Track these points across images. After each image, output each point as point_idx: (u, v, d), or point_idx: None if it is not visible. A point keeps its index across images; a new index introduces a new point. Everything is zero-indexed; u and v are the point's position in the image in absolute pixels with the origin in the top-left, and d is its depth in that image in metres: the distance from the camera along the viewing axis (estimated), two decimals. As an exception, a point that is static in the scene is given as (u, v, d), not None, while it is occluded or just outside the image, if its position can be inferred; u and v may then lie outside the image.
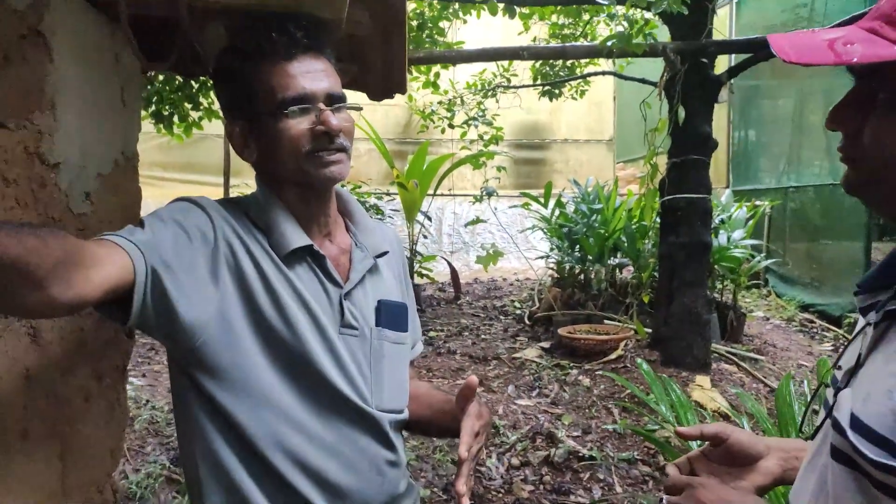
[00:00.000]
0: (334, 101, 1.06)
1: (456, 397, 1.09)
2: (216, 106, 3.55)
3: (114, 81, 1.23)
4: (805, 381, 2.34)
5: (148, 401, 3.16)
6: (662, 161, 4.07)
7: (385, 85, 1.90)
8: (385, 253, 1.20)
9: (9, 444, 0.95)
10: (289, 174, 1.07)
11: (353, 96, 1.15)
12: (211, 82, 3.26)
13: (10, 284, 0.72)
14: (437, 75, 5.21)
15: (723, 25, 6.57)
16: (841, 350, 0.77)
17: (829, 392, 0.75)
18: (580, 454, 3.01)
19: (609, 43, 3.32)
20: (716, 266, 4.53)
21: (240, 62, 1.05)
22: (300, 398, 1.04)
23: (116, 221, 1.19)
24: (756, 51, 3.85)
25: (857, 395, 0.66)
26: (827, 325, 5.43)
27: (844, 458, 0.65)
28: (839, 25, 0.69)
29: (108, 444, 1.23)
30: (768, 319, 5.53)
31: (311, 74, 1.04)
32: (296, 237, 1.06)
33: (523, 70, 5.75)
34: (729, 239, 4.66)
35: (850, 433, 0.63)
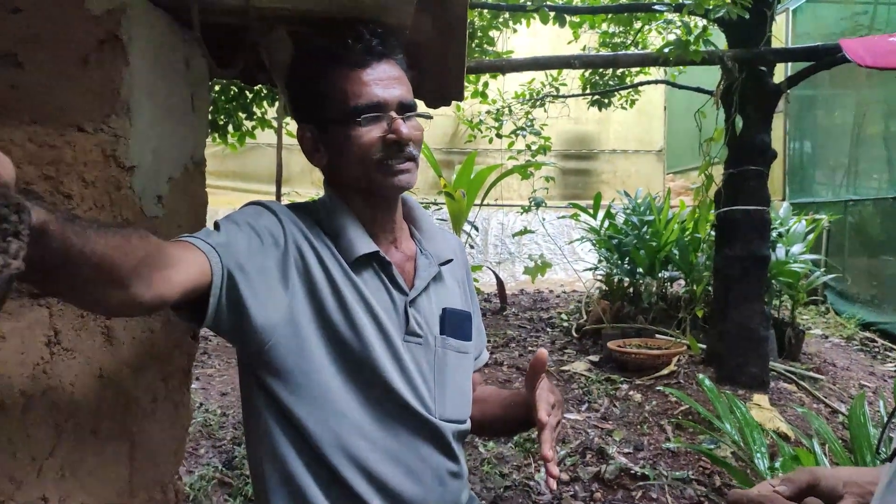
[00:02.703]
0: (406, 109, 1.06)
1: (526, 375, 1.06)
2: (269, 115, 3.62)
3: (184, 87, 1.25)
4: (881, 402, 2.23)
5: (201, 404, 3.20)
6: (717, 172, 3.97)
7: (442, 91, 1.89)
8: (449, 261, 1.18)
9: (82, 440, 0.96)
10: (357, 181, 1.07)
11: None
12: (265, 92, 3.34)
13: (94, 282, 0.73)
14: (486, 85, 5.21)
15: (779, 33, 6.39)
16: None
17: None
18: (632, 471, 2.92)
19: (666, 50, 3.26)
20: (773, 281, 4.38)
21: (314, 68, 1.06)
22: (364, 404, 1.03)
23: (186, 225, 1.21)
24: (818, 59, 3.72)
25: None
26: (889, 344, 5.20)
27: None
28: None
29: (172, 445, 1.24)
30: (827, 338, 5.33)
31: (384, 82, 1.04)
32: (363, 243, 1.06)
33: (572, 79, 5.69)
34: (787, 253, 4.50)
35: None
